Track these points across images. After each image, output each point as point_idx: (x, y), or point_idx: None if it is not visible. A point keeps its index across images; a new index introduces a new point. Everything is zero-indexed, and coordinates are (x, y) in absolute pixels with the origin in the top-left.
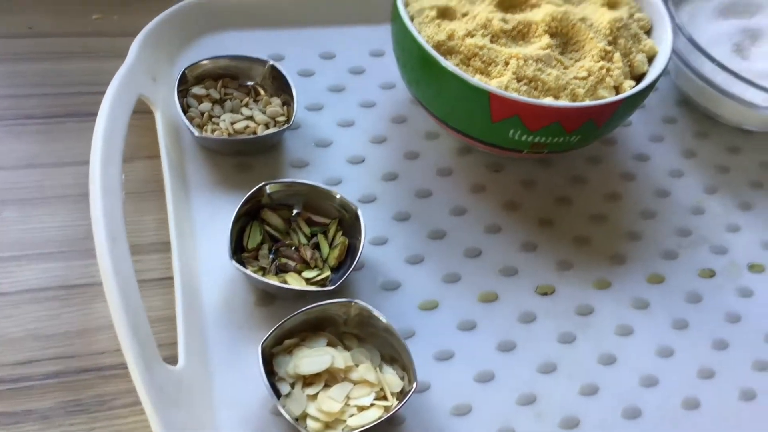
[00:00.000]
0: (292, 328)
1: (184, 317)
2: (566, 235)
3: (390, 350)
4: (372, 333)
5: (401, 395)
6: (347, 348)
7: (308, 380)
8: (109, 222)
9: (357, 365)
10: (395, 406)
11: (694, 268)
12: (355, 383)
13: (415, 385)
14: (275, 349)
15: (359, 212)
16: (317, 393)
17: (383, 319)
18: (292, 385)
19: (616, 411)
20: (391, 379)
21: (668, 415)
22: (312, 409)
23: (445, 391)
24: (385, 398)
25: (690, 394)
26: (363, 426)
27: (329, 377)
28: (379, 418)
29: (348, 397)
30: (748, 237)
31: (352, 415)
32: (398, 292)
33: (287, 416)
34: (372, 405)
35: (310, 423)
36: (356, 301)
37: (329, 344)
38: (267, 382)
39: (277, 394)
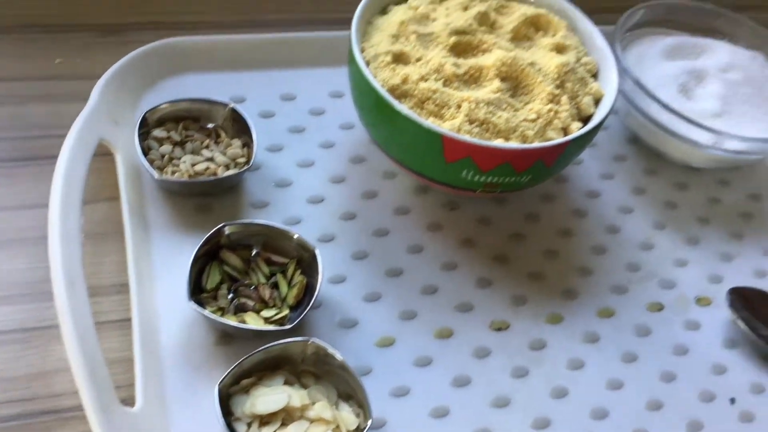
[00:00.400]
0: (249, 367)
1: (141, 358)
2: (520, 271)
3: (346, 387)
4: (328, 371)
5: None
6: (304, 386)
7: (265, 419)
8: (67, 266)
9: (313, 403)
10: None
11: (643, 302)
12: (311, 421)
13: (370, 422)
14: (232, 389)
15: (317, 252)
16: None
17: (339, 357)
18: (249, 425)
19: None
20: (347, 416)
21: None
22: None
23: (401, 427)
24: None
25: (639, 426)
26: None
27: (286, 416)
28: None
29: None
30: (695, 271)
31: None
32: (356, 330)
33: None
34: None
35: None
36: (313, 339)
37: (286, 383)
38: (223, 423)
39: None
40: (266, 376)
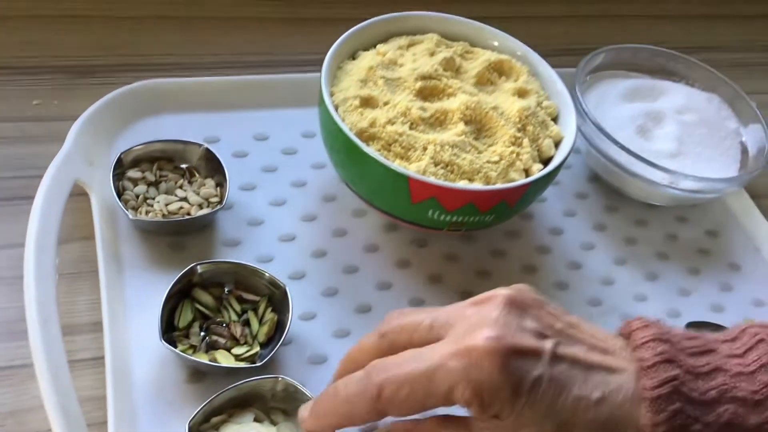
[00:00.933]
0: (220, 405)
1: (114, 396)
2: None
3: None
4: (296, 407)
5: None
6: (273, 422)
7: None
8: (41, 304)
9: None
10: None
11: None
12: None
13: None
14: (203, 426)
15: (288, 289)
16: None
17: (308, 394)
18: None
19: None
20: None
21: None
22: None
23: None
24: None
25: None
26: None
27: None
28: None
29: None
30: (654, 306)
31: None
32: (325, 365)
33: None
34: None
35: None
36: (282, 377)
37: (256, 419)
38: None
39: None
40: (236, 413)
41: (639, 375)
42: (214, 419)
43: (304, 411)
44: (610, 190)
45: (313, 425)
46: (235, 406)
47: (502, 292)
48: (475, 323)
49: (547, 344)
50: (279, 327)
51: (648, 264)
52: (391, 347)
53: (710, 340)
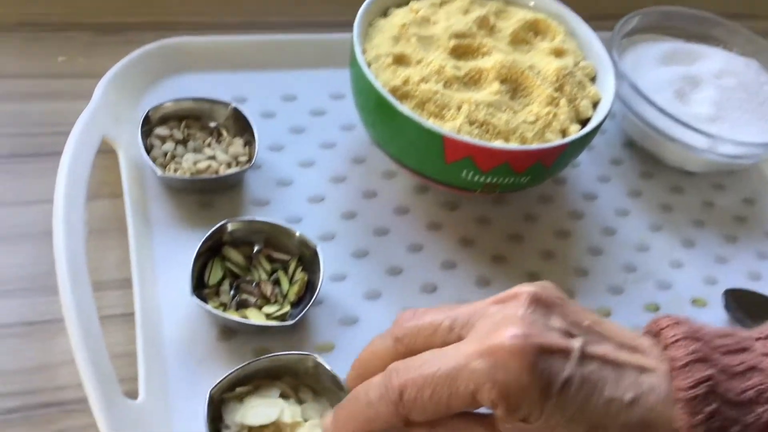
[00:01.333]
0: (247, 374)
1: (144, 352)
2: (518, 271)
3: None
4: (327, 388)
5: None
6: (300, 401)
7: (254, 431)
8: (71, 259)
9: (305, 420)
10: None
11: (639, 302)
12: None
13: None
14: (227, 394)
15: (318, 249)
16: None
17: (338, 377)
18: None
19: None
20: None
21: None
22: None
23: None
24: None
25: None
26: None
27: (275, 430)
28: None
29: None
30: (691, 273)
31: None
32: (356, 327)
33: None
34: None
35: None
36: (314, 355)
37: (283, 395)
38: (207, 430)
39: None
40: (264, 385)
41: (671, 375)
42: (239, 389)
43: (327, 420)
44: (646, 156)
45: None
46: (262, 378)
47: (525, 289)
48: (499, 321)
49: (576, 343)
50: (309, 287)
51: (684, 231)
52: (408, 351)
53: (744, 337)
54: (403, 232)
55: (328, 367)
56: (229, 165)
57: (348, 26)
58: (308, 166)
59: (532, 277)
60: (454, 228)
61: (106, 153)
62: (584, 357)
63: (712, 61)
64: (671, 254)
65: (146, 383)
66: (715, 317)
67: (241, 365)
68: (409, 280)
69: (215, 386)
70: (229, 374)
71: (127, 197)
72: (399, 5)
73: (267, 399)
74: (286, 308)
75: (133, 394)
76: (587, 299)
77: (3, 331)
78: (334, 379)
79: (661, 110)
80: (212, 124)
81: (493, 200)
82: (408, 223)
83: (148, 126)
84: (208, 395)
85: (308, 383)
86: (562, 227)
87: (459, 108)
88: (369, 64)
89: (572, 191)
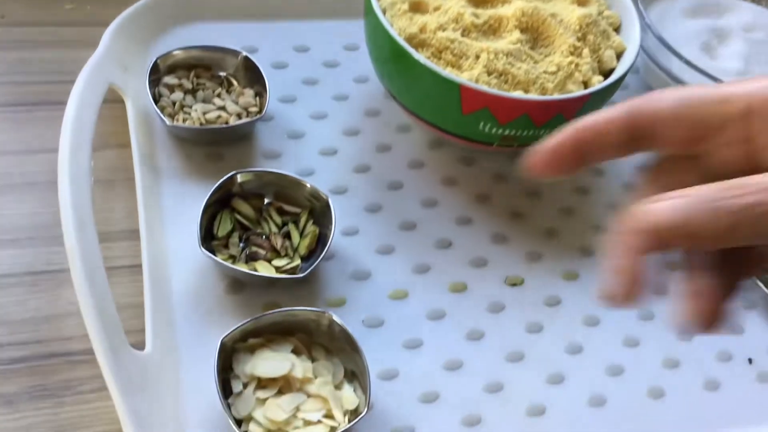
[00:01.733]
0: (260, 327)
1: (152, 304)
2: (536, 228)
3: (353, 367)
4: (340, 347)
5: (354, 414)
6: (312, 358)
7: (263, 383)
8: (77, 208)
9: (316, 377)
10: (342, 427)
11: (660, 260)
12: (309, 396)
13: (366, 410)
14: (238, 344)
15: (330, 201)
16: (267, 398)
17: (353, 337)
18: (245, 385)
19: (582, 399)
20: (348, 396)
21: (633, 404)
22: (258, 414)
23: (413, 378)
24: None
25: (655, 384)
26: None
27: (285, 384)
28: None
29: (297, 409)
30: None
31: (297, 428)
32: (368, 282)
33: (228, 417)
34: (319, 422)
35: (252, 427)
36: (329, 312)
37: (295, 351)
38: (217, 378)
39: (229, 391)
40: (276, 339)
41: None
42: (252, 340)
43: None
44: None
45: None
46: (275, 332)
47: None
48: None
49: None
50: (320, 240)
51: None
52: None
53: None
54: (418, 187)
55: (343, 325)
56: (239, 116)
57: None
58: (320, 119)
59: (551, 233)
60: (469, 183)
61: (113, 102)
62: None
63: (741, 13)
64: None
65: (153, 335)
66: None
67: (254, 317)
68: (423, 235)
69: (227, 334)
70: (242, 324)
71: (135, 147)
72: None
73: (279, 353)
74: (297, 261)
75: (140, 346)
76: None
77: (8, 280)
78: (348, 338)
79: (688, 63)
80: (222, 74)
81: (509, 156)
82: (422, 178)
83: (156, 75)
84: (219, 342)
85: (321, 341)
86: (582, 183)
87: (477, 57)
88: (384, 11)
89: None
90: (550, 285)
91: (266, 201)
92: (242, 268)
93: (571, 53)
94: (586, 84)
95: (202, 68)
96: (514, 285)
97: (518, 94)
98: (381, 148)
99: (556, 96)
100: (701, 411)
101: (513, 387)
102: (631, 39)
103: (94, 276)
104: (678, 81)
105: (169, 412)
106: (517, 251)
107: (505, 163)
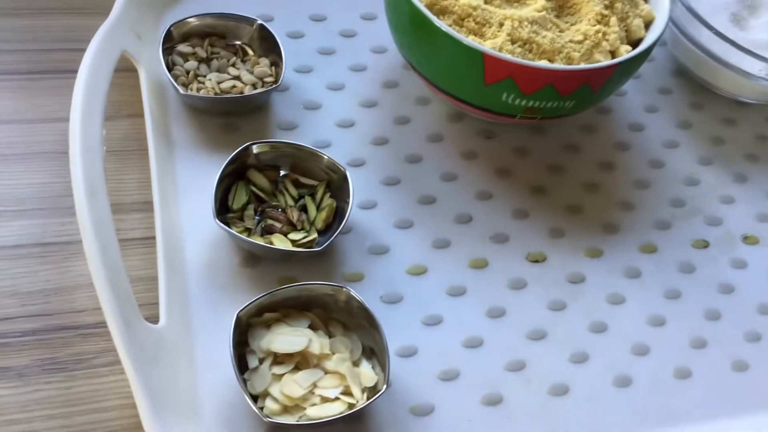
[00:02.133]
0: (276, 301)
1: (165, 276)
2: (559, 204)
3: (372, 344)
4: (358, 324)
5: (372, 391)
6: (330, 334)
7: (279, 359)
8: (88, 177)
9: (333, 353)
10: (360, 404)
11: (687, 238)
12: (326, 372)
13: (385, 387)
14: (254, 319)
15: (348, 174)
16: (284, 374)
17: (372, 313)
18: (261, 361)
19: (607, 379)
20: (366, 373)
21: (659, 385)
22: (274, 389)
23: (432, 355)
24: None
25: (682, 364)
26: (321, 418)
27: (301, 360)
28: (341, 413)
29: (314, 385)
30: (742, 209)
31: (314, 405)
32: (386, 257)
33: (244, 392)
34: (337, 399)
35: (268, 403)
36: (347, 288)
37: (312, 326)
38: (233, 353)
39: (245, 366)
40: (292, 315)
41: None
42: (267, 315)
43: None
44: (697, 86)
45: None
46: (291, 307)
47: None
48: None
49: None
50: (337, 214)
51: (736, 165)
52: None
53: None
54: (437, 160)
55: (362, 301)
56: (254, 86)
57: None
58: (337, 90)
59: (574, 209)
60: (490, 157)
61: (126, 71)
62: None
63: None
64: (722, 189)
65: (167, 308)
66: (765, 256)
67: (270, 291)
68: (442, 209)
69: (243, 308)
70: (258, 298)
71: (148, 117)
72: None
73: (295, 328)
74: (313, 235)
75: (153, 319)
76: (632, 234)
77: (18, 251)
78: (367, 314)
79: (718, 33)
80: (237, 43)
81: (531, 129)
82: (442, 151)
83: (170, 43)
84: (235, 317)
85: (339, 317)
86: (606, 158)
87: (501, 25)
88: None
89: (617, 121)
90: (573, 262)
91: (282, 173)
92: (258, 241)
93: (599, 22)
94: (613, 54)
95: (217, 36)
96: (536, 261)
97: (543, 63)
98: (399, 120)
99: (583, 66)
100: (729, 392)
101: (535, 366)
102: (660, 7)
103: (106, 248)
104: (707, 52)
105: (183, 387)
106: (540, 227)
107: (527, 136)
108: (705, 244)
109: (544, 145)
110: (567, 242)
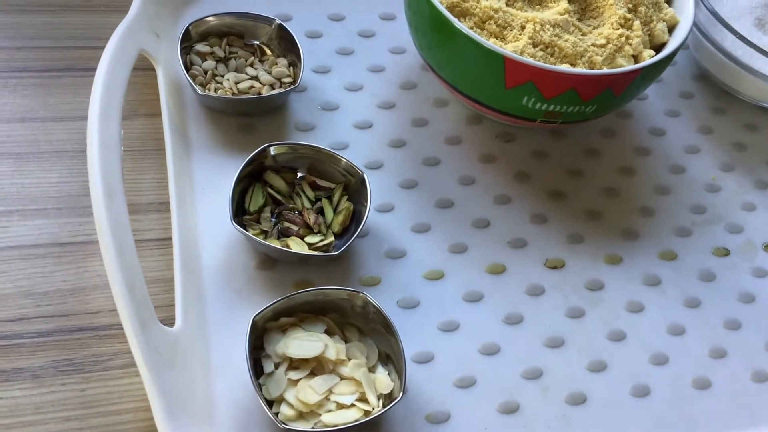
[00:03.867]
0: (292, 306)
1: (182, 279)
2: (577, 209)
3: (388, 350)
4: (374, 329)
5: (388, 398)
6: (346, 339)
7: (294, 364)
8: (106, 178)
9: (349, 359)
10: (376, 412)
11: (708, 246)
12: (342, 378)
13: (401, 395)
14: (270, 324)
15: (366, 177)
16: (300, 379)
17: (388, 318)
18: (277, 366)
19: (625, 388)
20: (383, 379)
21: (678, 395)
22: (290, 395)
23: (449, 362)
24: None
25: (701, 374)
26: (336, 426)
27: (317, 366)
28: (356, 421)
29: (330, 391)
30: (764, 216)
31: (329, 411)
32: (403, 261)
33: (259, 397)
34: (353, 405)
35: (284, 409)
36: (364, 293)
37: (328, 331)
38: (248, 358)
39: (260, 370)
40: (308, 319)
41: None
42: (284, 319)
43: None
44: (719, 91)
45: None
46: (307, 311)
47: None
48: None
49: None
50: (354, 217)
51: (758, 171)
52: None
53: None
54: (455, 163)
55: (379, 306)
56: (272, 86)
57: None
58: (355, 91)
59: (593, 214)
60: (508, 161)
61: (144, 70)
62: None
63: None
64: (743, 196)
65: (183, 311)
66: None
67: (286, 295)
68: (460, 213)
69: (259, 313)
70: (274, 303)
71: (166, 117)
72: None
73: (311, 333)
74: (330, 238)
75: (169, 322)
76: (652, 241)
77: (35, 251)
78: (383, 319)
79: (742, 38)
80: (255, 43)
81: (550, 133)
82: (460, 154)
83: (188, 42)
84: (251, 321)
85: (355, 322)
86: (626, 163)
87: (522, 28)
88: None
89: (638, 126)
90: (591, 268)
91: (299, 175)
92: (275, 244)
93: (621, 25)
94: (636, 58)
95: (235, 36)
96: (554, 268)
97: (565, 67)
98: (417, 122)
99: (605, 71)
100: (749, 403)
101: (552, 374)
102: (684, 11)
103: (123, 249)
104: (730, 57)
105: (198, 391)
106: (558, 233)
107: (546, 140)
108: (725, 252)
109: (563, 149)
110: (586, 248)
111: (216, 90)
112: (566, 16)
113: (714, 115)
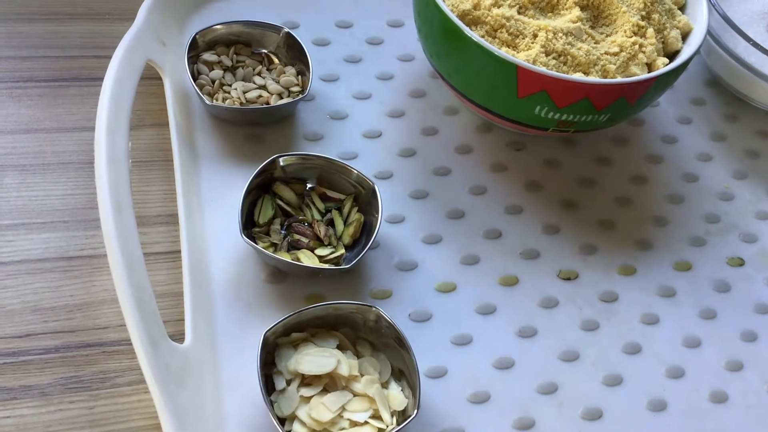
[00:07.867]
0: (303, 321)
1: (191, 293)
2: (590, 218)
3: (401, 365)
4: (387, 344)
5: (402, 415)
6: (358, 354)
7: (307, 380)
8: (114, 191)
9: (362, 375)
10: (390, 430)
11: (722, 255)
12: (355, 395)
13: (416, 412)
14: (281, 339)
15: (377, 188)
16: (312, 396)
17: (401, 333)
18: (289, 382)
19: (641, 403)
20: (396, 395)
21: (695, 409)
22: (302, 412)
23: (462, 377)
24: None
25: (718, 387)
26: None
27: (329, 382)
28: None
29: (343, 408)
30: None
31: (342, 429)
32: (415, 273)
33: (271, 415)
34: (366, 423)
35: (296, 427)
36: (377, 307)
37: (340, 346)
38: (260, 374)
39: (272, 387)
40: (320, 334)
41: None
42: (294, 335)
43: None
44: (732, 97)
45: None
46: (319, 326)
47: None
48: None
49: None
50: (364, 229)
51: None
52: None
53: None
54: (466, 173)
55: (392, 321)
56: (280, 96)
57: None
58: (364, 99)
59: (606, 224)
60: (520, 170)
61: (150, 80)
62: None
63: None
64: (757, 204)
65: (193, 326)
66: None
67: (297, 310)
68: (471, 224)
69: (270, 328)
70: (285, 318)
71: (173, 127)
72: None
73: (323, 349)
74: (341, 251)
75: (179, 338)
76: (666, 251)
77: (42, 265)
78: (396, 334)
79: (755, 44)
80: (263, 51)
81: (562, 141)
82: (470, 163)
83: (195, 51)
84: (262, 337)
85: (367, 337)
86: (639, 172)
87: (535, 36)
88: None
89: (649, 133)
90: (605, 280)
91: (309, 186)
92: (285, 257)
93: (635, 33)
94: (650, 66)
95: (242, 44)
96: (567, 279)
97: (578, 76)
98: (427, 131)
99: (619, 79)
100: (766, 416)
101: (567, 388)
102: (698, 18)
103: (132, 263)
104: (742, 63)
105: (209, 408)
106: (571, 243)
107: (557, 148)
108: (740, 262)
109: (574, 158)
110: (599, 259)
111: (224, 100)
112: (579, 23)
113: (726, 122)
